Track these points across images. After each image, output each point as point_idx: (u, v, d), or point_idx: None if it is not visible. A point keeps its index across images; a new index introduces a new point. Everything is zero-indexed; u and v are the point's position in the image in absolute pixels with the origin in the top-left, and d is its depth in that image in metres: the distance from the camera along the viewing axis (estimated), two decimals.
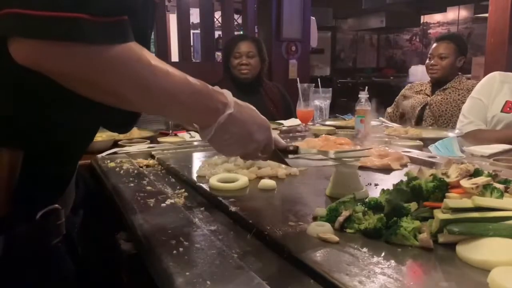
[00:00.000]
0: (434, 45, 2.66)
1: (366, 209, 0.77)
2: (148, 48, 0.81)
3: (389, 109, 2.87)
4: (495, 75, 2.09)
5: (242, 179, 1.08)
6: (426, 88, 2.71)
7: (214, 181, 1.07)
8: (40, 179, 0.70)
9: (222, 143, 0.76)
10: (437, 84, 2.64)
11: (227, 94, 0.75)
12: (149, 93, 0.63)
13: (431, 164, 1.27)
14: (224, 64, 2.72)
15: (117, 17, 0.57)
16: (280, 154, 0.88)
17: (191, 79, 0.68)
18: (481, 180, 0.77)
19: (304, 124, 2.14)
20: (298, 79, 2.16)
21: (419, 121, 2.62)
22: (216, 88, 0.74)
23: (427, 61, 2.67)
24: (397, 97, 2.88)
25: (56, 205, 0.74)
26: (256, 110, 0.82)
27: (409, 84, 2.88)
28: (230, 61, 2.62)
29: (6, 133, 0.65)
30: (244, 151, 0.81)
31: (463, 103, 2.25)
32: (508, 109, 1.97)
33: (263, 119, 0.82)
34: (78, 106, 0.63)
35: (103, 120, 0.73)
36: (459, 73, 2.65)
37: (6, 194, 0.66)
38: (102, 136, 1.63)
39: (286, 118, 2.48)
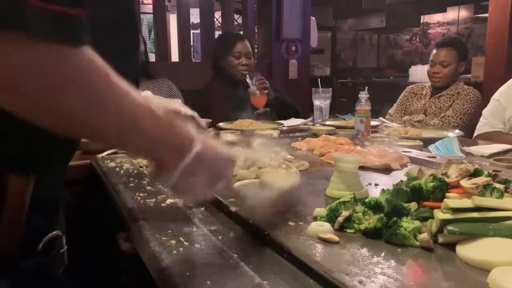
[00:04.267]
0: (435, 51, 2.64)
1: (366, 209, 0.76)
2: (136, 39, 0.73)
3: (391, 111, 2.85)
4: None
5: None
6: (426, 93, 2.70)
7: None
8: (36, 198, 0.62)
9: (187, 186, 0.65)
10: (437, 89, 2.64)
11: (192, 128, 0.66)
12: (107, 112, 0.52)
13: (431, 164, 1.27)
14: (217, 62, 2.63)
15: (75, 9, 0.46)
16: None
17: (153, 105, 0.58)
18: (481, 180, 0.77)
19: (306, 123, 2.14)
20: (248, 75, 2.30)
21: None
22: (179, 121, 0.64)
23: (429, 67, 2.65)
24: (400, 98, 2.85)
25: (57, 231, 0.68)
26: (219, 142, 0.74)
27: (409, 86, 2.86)
28: (227, 60, 2.57)
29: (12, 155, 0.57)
30: (212, 190, 0.72)
31: (458, 108, 2.33)
32: None
33: (227, 151, 0.73)
34: None
35: None
36: (460, 76, 2.66)
37: (15, 228, 0.58)
38: None
39: (280, 113, 2.49)
